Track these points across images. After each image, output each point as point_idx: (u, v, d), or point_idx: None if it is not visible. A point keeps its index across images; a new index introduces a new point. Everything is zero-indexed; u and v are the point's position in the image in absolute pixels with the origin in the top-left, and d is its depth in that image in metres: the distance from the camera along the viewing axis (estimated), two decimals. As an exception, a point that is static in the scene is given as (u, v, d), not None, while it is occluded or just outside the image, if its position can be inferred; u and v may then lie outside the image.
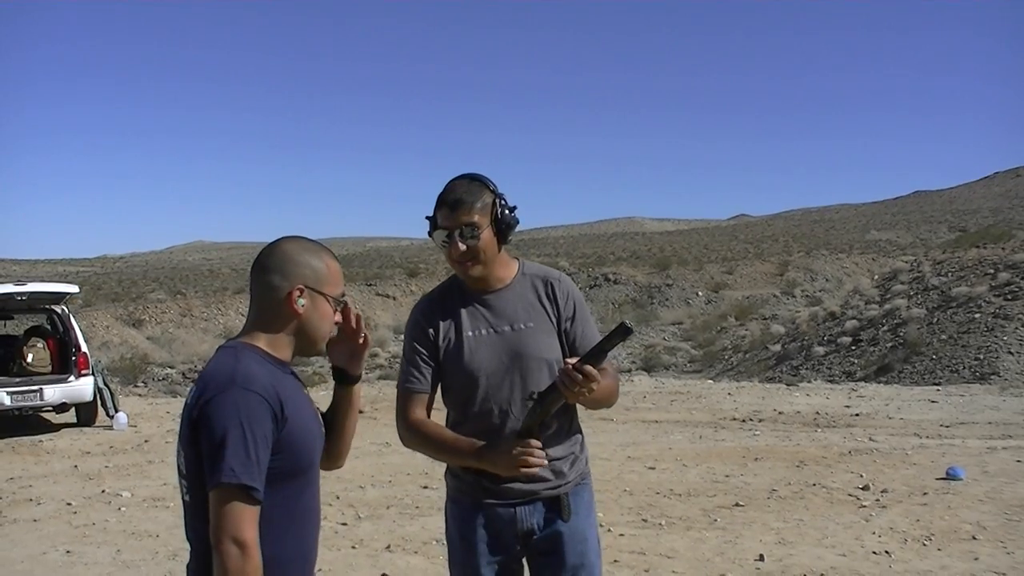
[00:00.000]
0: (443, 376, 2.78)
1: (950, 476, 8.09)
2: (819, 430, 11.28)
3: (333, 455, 2.38)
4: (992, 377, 17.25)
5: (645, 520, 6.96)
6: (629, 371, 22.88)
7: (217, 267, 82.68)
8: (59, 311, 12.71)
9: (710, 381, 20.17)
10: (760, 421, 12.17)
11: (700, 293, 40.35)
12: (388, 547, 6.39)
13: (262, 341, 2.15)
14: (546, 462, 2.62)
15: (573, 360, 2.51)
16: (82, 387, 12.15)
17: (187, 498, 2.10)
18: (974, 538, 6.29)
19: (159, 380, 23.75)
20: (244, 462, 1.95)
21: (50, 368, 12.35)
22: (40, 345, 12.54)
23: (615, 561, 5.93)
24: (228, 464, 1.94)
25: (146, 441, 11.38)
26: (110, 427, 12.34)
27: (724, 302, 37.44)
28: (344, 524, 6.97)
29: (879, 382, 18.62)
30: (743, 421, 12.19)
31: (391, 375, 24.03)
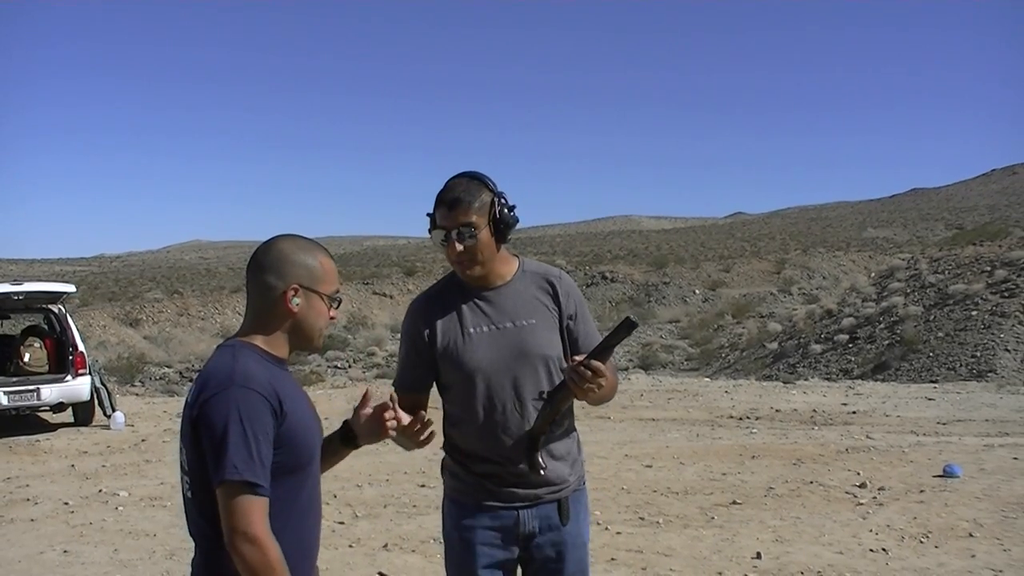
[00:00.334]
0: (444, 374, 2.75)
1: (947, 473, 8.09)
2: (816, 428, 11.28)
3: None
4: (989, 374, 17.30)
5: (642, 518, 6.96)
6: (626, 369, 22.90)
7: (214, 266, 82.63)
8: (56, 311, 12.69)
9: (707, 379, 20.19)
10: (757, 419, 12.17)
11: (697, 291, 40.41)
12: (385, 546, 6.39)
13: (259, 339, 2.17)
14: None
15: (580, 357, 2.53)
16: (79, 387, 12.12)
17: (189, 494, 2.13)
18: (971, 535, 6.30)
19: (156, 379, 23.77)
20: (246, 458, 1.98)
21: (47, 368, 12.33)
22: (37, 345, 12.52)
23: (612, 559, 5.94)
24: (231, 461, 1.97)
25: (143, 441, 11.37)
26: (107, 427, 12.31)
27: (721, 300, 37.51)
28: (341, 523, 6.96)
29: (876, 380, 18.66)
30: (740, 419, 12.20)
31: (388, 374, 24.05)
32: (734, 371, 24.46)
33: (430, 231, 2.74)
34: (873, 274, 33.96)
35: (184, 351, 31.98)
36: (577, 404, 2.76)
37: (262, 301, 2.18)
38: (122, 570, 6.08)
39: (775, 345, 25.64)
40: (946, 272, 24.44)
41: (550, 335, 2.77)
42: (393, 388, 2.79)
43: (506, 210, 2.71)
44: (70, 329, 12.36)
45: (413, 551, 6.26)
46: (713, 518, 6.92)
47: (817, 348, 23.14)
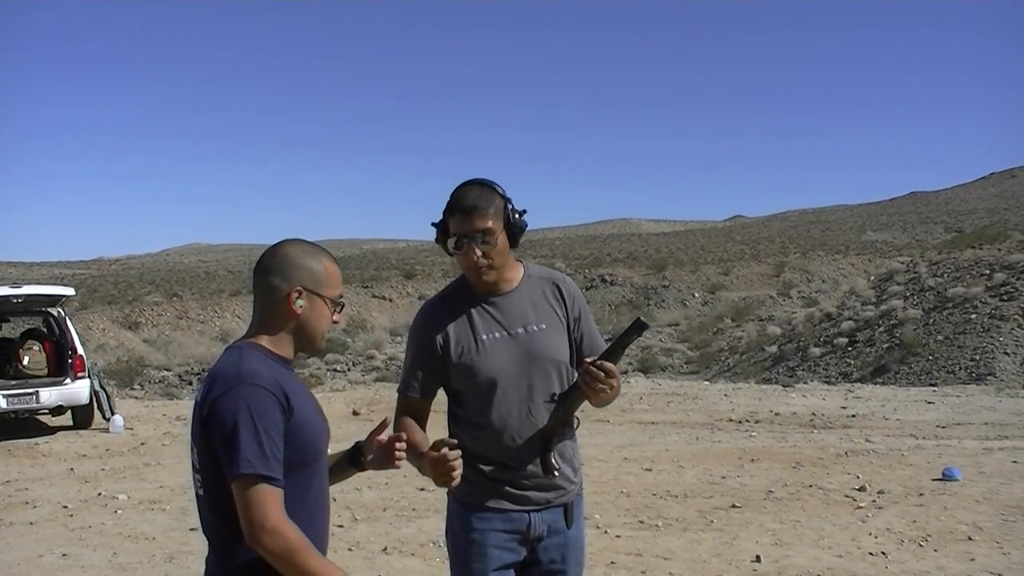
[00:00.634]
0: (456, 380, 2.75)
1: (946, 477, 8.10)
2: (815, 431, 11.29)
3: None
4: (988, 378, 17.29)
5: (642, 521, 6.96)
6: (626, 372, 22.89)
7: (213, 269, 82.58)
8: (55, 314, 12.69)
9: (706, 382, 20.18)
10: (756, 422, 12.18)
11: (696, 294, 40.40)
12: (385, 549, 6.39)
13: (265, 340, 2.23)
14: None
15: (591, 359, 2.58)
16: (78, 390, 12.12)
17: (201, 492, 2.17)
18: (970, 539, 6.30)
19: (155, 383, 23.75)
20: (258, 452, 2.02)
21: (46, 371, 12.32)
22: (36, 348, 12.51)
23: (612, 563, 5.94)
24: (244, 456, 2.01)
25: (142, 444, 11.36)
26: (106, 430, 12.31)
27: (720, 303, 37.51)
28: (340, 526, 6.96)
29: (875, 383, 18.65)
30: (739, 422, 12.20)
31: (387, 376, 24.01)
32: (733, 374, 24.45)
33: (441, 239, 2.75)
34: (872, 277, 33.96)
35: (183, 354, 31.93)
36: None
37: (267, 303, 2.24)
38: (121, 573, 6.08)
39: (774, 348, 25.62)
40: (945, 275, 24.44)
41: (560, 339, 2.80)
42: (398, 393, 2.79)
43: (517, 215, 2.74)
44: (69, 332, 12.35)
45: (412, 555, 6.26)
46: (712, 521, 6.92)
47: (816, 351, 23.12)
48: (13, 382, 11.92)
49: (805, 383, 19.28)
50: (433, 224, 2.75)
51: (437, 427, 2.75)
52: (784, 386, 17.66)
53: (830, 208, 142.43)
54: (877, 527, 6.62)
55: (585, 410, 2.81)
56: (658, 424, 12.09)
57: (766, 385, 18.68)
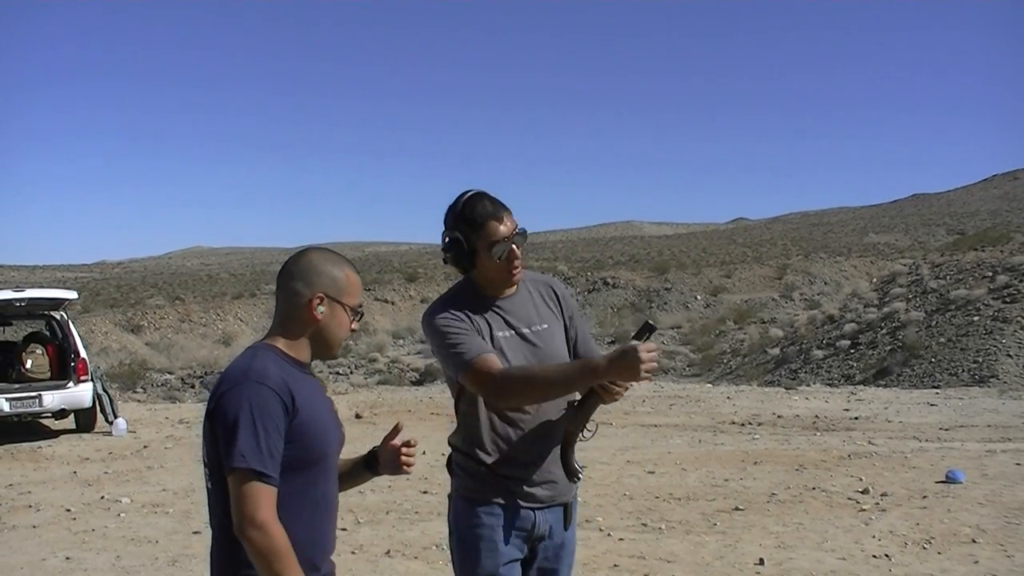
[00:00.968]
0: None
1: (950, 479, 8.09)
2: (818, 434, 11.28)
3: None
4: (991, 380, 17.28)
5: (645, 524, 6.96)
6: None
7: (216, 272, 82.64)
8: (58, 317, 12.70)
9: (709, 385, 20.18)
10: (759, 425, 12.17)
11: (699, 297, 40.40)
12: (388, 552, 6.39)
13: (282, 343, 2.29)
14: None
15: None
16: (81, 393, 12.12)
17: (209, 486, 2.24)
18: (974, 541, 6.29)
19: (158, 386, 23.77)
20: (254, 448, 2.08)
21: (49, 374, 12.32)
22: (39, 351, 12.51)
23: (615, 566, 5.93)
24: (239, 450, 2.08)
25: (145, 447, 11.37)
26: (109, 433, 12.32)
27: (723, 306, 37.50)
28: (344, 529, 6.95)
29: (878, 385, 18.65)
30: (742, 425, 12.19)
31: (390, 380, 24.04)
32: (736, 377, 24.44)
33: (462, 253, 2.76)
34: (875, 280, 33.94)
35: (186, 357, 31.96)
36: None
37: (289, 307, 2.30)
38: (124, 577, 6.07)
39: (777, 351, 25.62)
40: (948, 277, 24.44)
41: (560, 337, 2.90)
42: (471, 359, 2.68)
43: None
44: (72, 335, 12.36)
45: (416, 557, 6.25)
46: (716, 524, 6.91)
47: (819, 354, 23.12)
48: (16, 385, 11.93)
49: (808, 385, 19.28)
50: (456, 237, 2.76)
51: (441, 430, 2.75)
52: (787, 388, 17.65)
53: (832, 210, 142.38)
54: (880, 530, 6.62)
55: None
56: (661, 427, 12.09)
57: (768, 387, 18.67)
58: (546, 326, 2.86)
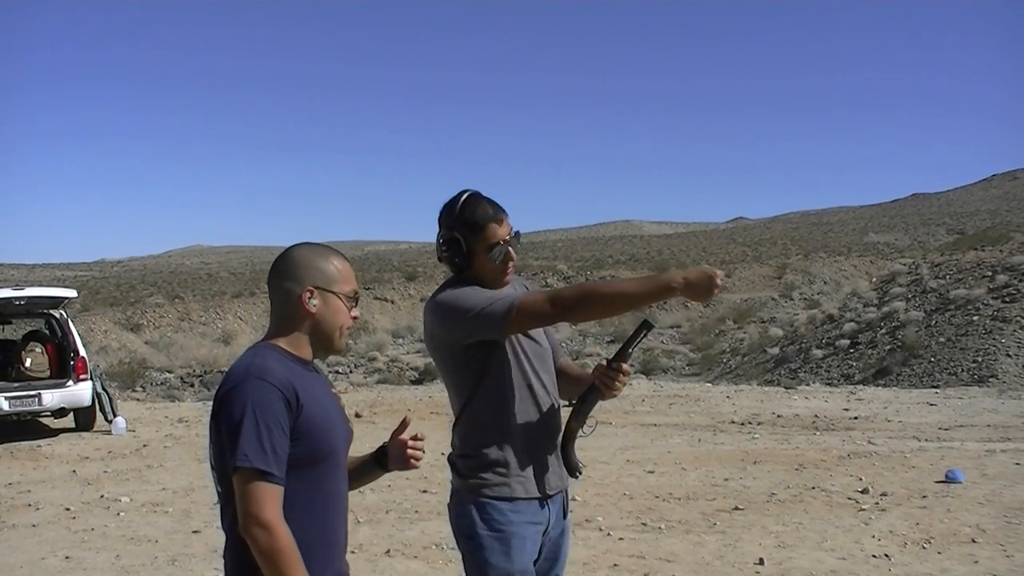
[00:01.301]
0: (490, 364, 2.76)
1: (949, 479, 8.09)
2: (818, 433, 11.28)
3: None
4: (990, 379, 17.28)
5: (644, 524, 6.95)
6: (630, 375, 22.83)
7: (215, 271, 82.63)
8: (57, 316, 12.68)
9: (708, 384, 20.18)
10: (759, 424, 12.17)
11: (691, 300, 40.40)
12: (388, 552, 6.38)
13: (282, 341, 2.28)
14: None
15: (606, 362, 2.77)
16: (80, 392, 12.11)
17: (219, 488, 2.21)
18: (974, 541, 6.29)
19: (158, 385, 23.74)
20: (257, 447, 2.06)
21: (48, 373, 12.31)
22: (38, 350, 12.51)
23: (615, 565, 5.93)
24: (242, 449, 2.06)
25: (145, 446, 11.36)
26: (108, 432, 12.31)
27: (722, 305, 37.45)
28: (343, 529, 6.95)
29: (877, 385, 18.65)
30: (742, 424, 12.19)
31: (389, 379, 24.04)
32: (735, 376, 24.44)
33: (459, 254, 2.77)
34: (874, 279, 33.92)
35: (186, 356, 31.95)
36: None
37: (282, 306, 2.30)
38: (124, 576, 6.07)
39: (776, 350, 25.62)
40: (947, 277, 24.44)
41: (543, 333, 2.96)
42: (516, 298, 2.70)
43: None
44: (71, 334, 12.35)
45: (415, 557, 6.25)
46: (715, 524, 6.91)
47: (818, 353, 23.12)
48: (15, 384, 11.92)
49: (807, 385, 19.28)
50: (452, 240, 2.77)
51: (441, 429, 2.75)
52: (786, 388, 17.66)
53: (832, 210, 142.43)
54: (880, 529, 6.61)
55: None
56: (660, 426, 12.08)
57: (768, 387, 18.67)
58: None
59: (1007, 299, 20.76)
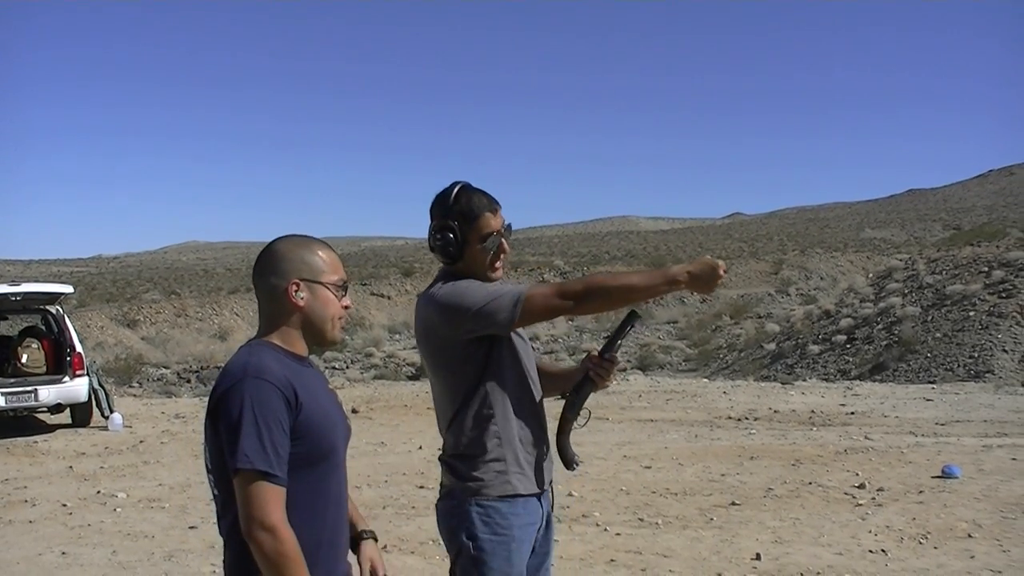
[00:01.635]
0: (491, 359, 2.73)
1: (946, 474, 8.10)
2: (815, 429, 11.29)
3: None
4: (987, 375, 17.30)
5: (641, 519, 6.96)
6: (624, 370, 22.89)
7: (211, 267, 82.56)
8: (54, 311, 12.67)
9: (705, 380, 20.19)
10: (756, 420, 12.18)
11: (695, 292, 40.43)
12: (384, 547, 6.38)
13: (275, 338, 2.22)
14: None
15: (597, 353, 2.80)
16: (77, 388, 12.10)
17: (216, 492, 2.16)
18: (970, 536, 6.30)
19: (154, 380, 23.70)
20: (258, 447, 2.01)
21: (45, 369, 12.30)
22: (35, 346, 12.49)
23: (612, 561, 5.93)
24: (243, 450, 2.01)
25: (141, 442, 11.35)
26: (105, 428, 12.30)
27: (719, 301, 37.46)
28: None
29: (874, 380, 18.66)
30: (739, 420, 12.20)
31: (386, 374, 24.01)
32: (732, 372, 24.45)
33: (450, 243, 2.74)
34: (871, 275, 33.95)
35: (182, 352, 31.92)
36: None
37: (270, 302, 2.24)
38: (121, 572, 6.06)
39: (773, 346, 25.63)
40: (944, 273, 24.44)
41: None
42: (525, 288, 2.71)
43: None
44: (68, 330, 12.34)
45: (412, 553, 6.25)
46: (712, 519, 6.91)
47: (815, 349, 23.12)
48: (12, 380, 11.91)
49: (804, 380, 19.28)
50: (445, 229, 2.73)
51: (436, 426, 2.75)
52: (783, 384, 17.67)
53: (828, 206, 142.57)
54: (877, 524, 6.62)
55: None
56: (657, 422, 12.09)
57: (765, 383, 18.68)
58: None
59: (1003, 295, 20.77)
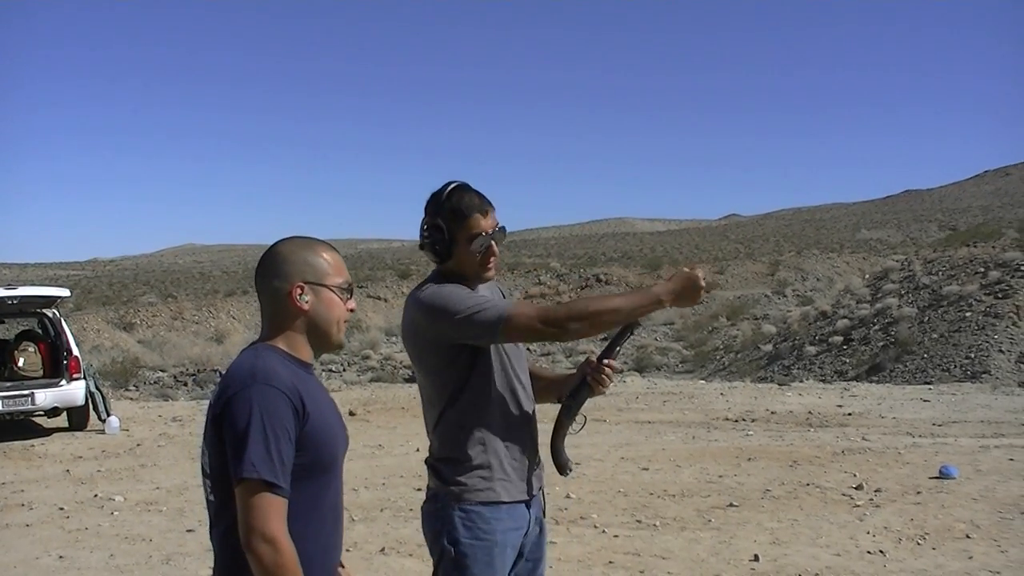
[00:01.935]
0: (476, 364, 2.71)
1: (943, 475, 8.11)
2: (812, 430, 11.30)
3: None
4: (983, 375, 17.32)
5: (639, 521, 6.96)
6: (621, 372, 22.90)
7: (208, 270, 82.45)
8: (50, 315, 12.65)
9: (702, 381, 20.21)
10: (753, 421, 12.19)
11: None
12: (382, 550, 6.38)
13: (280, 342, 2.17)
14: None
15: (595, 359, 2.77)
16: (74, 391, 12.09)
17: (211, 498, 2.11)
18: (968, 537, 6.30)
19: (151, 384, 23.64)
20: (264, 457, 1.96)
21: (41, 372, 12.29)
22: (31, 349, 12.48)
23: (610, 563, 5.93)
24: (249, 459, 1.96)
25: (138, 445, 11.34)
26: (102, 431, 12.29)
27: (715, 302, 37.45)
28: (338, 527, 6.93)
29: (871, 381, 18.68)
30: (736, 421, 12.21)
31: (383, 377, 23.99)
32: (729, 373, 24.46)
33: (439, 243, 2.73)
34: (867, 275, 33.95)
35: (179, 355, 31.84)
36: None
37: (273, 305, 2.19)
38: (118, 575, 6.06)
39: (769, 347, 25.62)
40: (940, 273, 24.47)
41: None
42: (508, 306, 2.68)
43: None
44: (64, 333, 12.33)
45: (410, 555, 6.24)
46: (710, 520, 6.92)
47: (812, 350, 23.14)
48: (8, 384, 11.89)
49: (801, 382, 19.31)
50: (435, 228, 2.72)
51: (423, 433, 2.74)
52: (780, 385, 17.69)
53: (825, 206, 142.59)
54: (875, 525, 6.63)
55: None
56: (654, 423, 12.09)
57: (762, 384, 18.70)
58: None
59: (999, 295, 20.79)
